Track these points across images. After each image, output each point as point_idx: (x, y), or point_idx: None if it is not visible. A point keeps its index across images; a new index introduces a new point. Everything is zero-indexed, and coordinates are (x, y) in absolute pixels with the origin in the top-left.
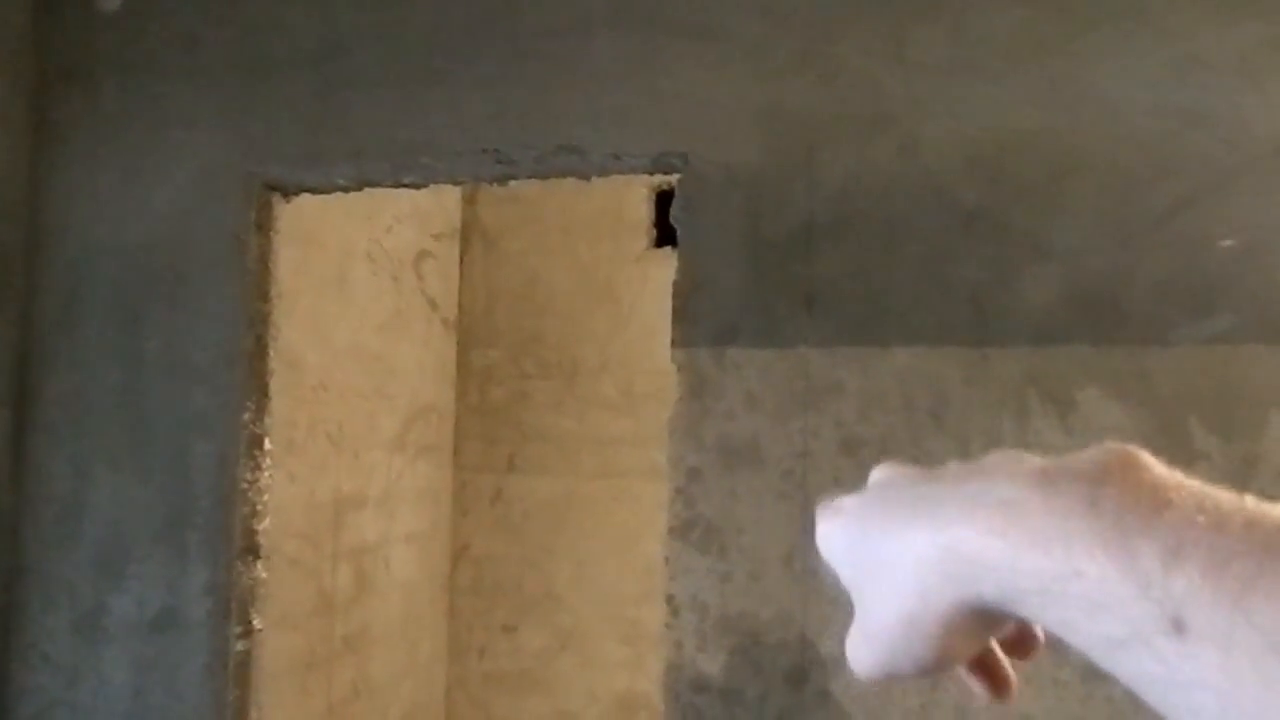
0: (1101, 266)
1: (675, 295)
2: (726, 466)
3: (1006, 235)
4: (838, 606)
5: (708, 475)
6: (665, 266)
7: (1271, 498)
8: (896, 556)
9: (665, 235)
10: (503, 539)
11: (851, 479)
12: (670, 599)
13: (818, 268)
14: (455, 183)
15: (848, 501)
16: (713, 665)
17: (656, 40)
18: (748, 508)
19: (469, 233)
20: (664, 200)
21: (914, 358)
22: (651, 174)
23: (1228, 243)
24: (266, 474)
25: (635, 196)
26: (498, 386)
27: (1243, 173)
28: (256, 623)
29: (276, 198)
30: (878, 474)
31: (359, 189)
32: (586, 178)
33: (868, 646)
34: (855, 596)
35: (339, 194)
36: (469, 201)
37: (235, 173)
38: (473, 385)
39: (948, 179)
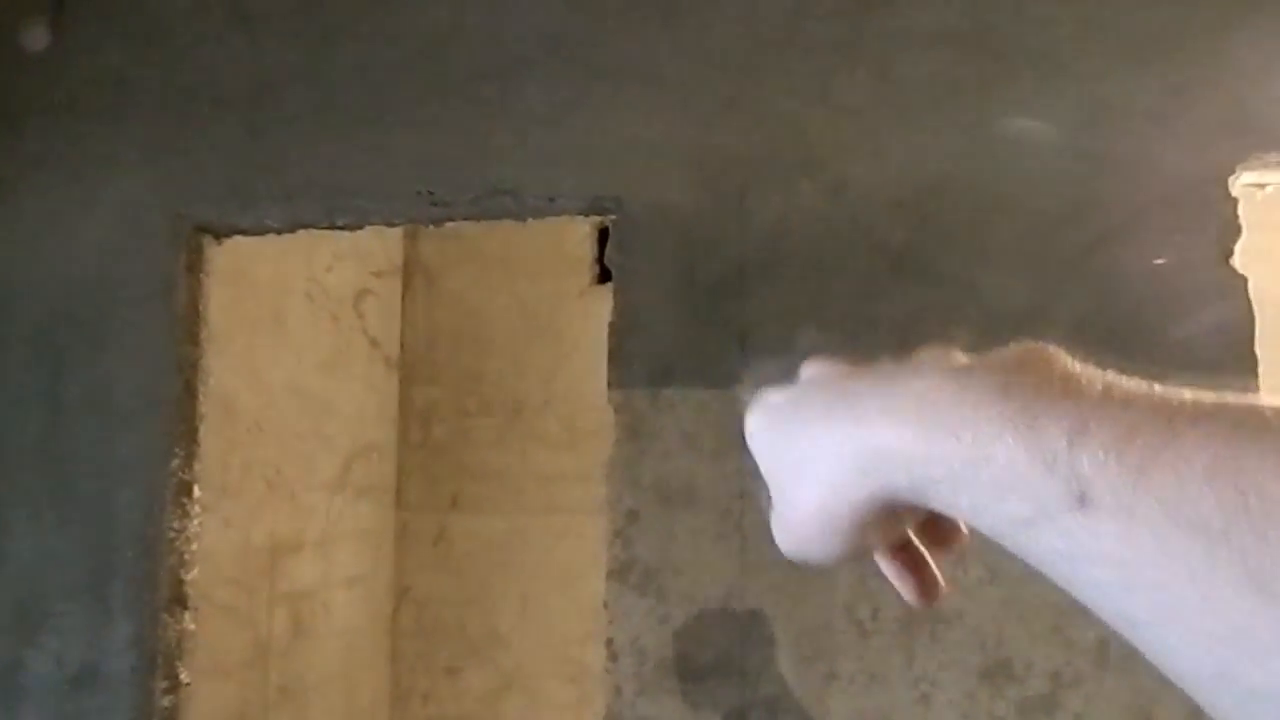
0: (1023, 305)
1: (611, 336)
2: (664, 508)
3: (932, 276)
4: (777, 648)
5: (645, 517)
6: (608, 303)
7: None
8: (814, 450)
9: (608, 272)
10: (446, 579)
11: None
12: (609, 642)
13: (750, 308)
14: (390, 224)
15: (775, 396)
16: (653, 708)
17: (588, 83)
18: (686, 549)
19: (410, 270)
20: (606, 237)
21: None
22: (585, 215)
23: (1160, 261)
24: (196, 522)
25: (577, 233)
26: (440, 424)
27: (1153, 212)
28: (184, 676)
29: (208, 240)
30: (808, 370)
31: (292, 231)
32: (521, 219)
33: (785, 535)
34: (775, 488)
35: (272, 235)
36: (410, 238)
37: (163, 214)
38: (415, 423)
39: (874, 220)
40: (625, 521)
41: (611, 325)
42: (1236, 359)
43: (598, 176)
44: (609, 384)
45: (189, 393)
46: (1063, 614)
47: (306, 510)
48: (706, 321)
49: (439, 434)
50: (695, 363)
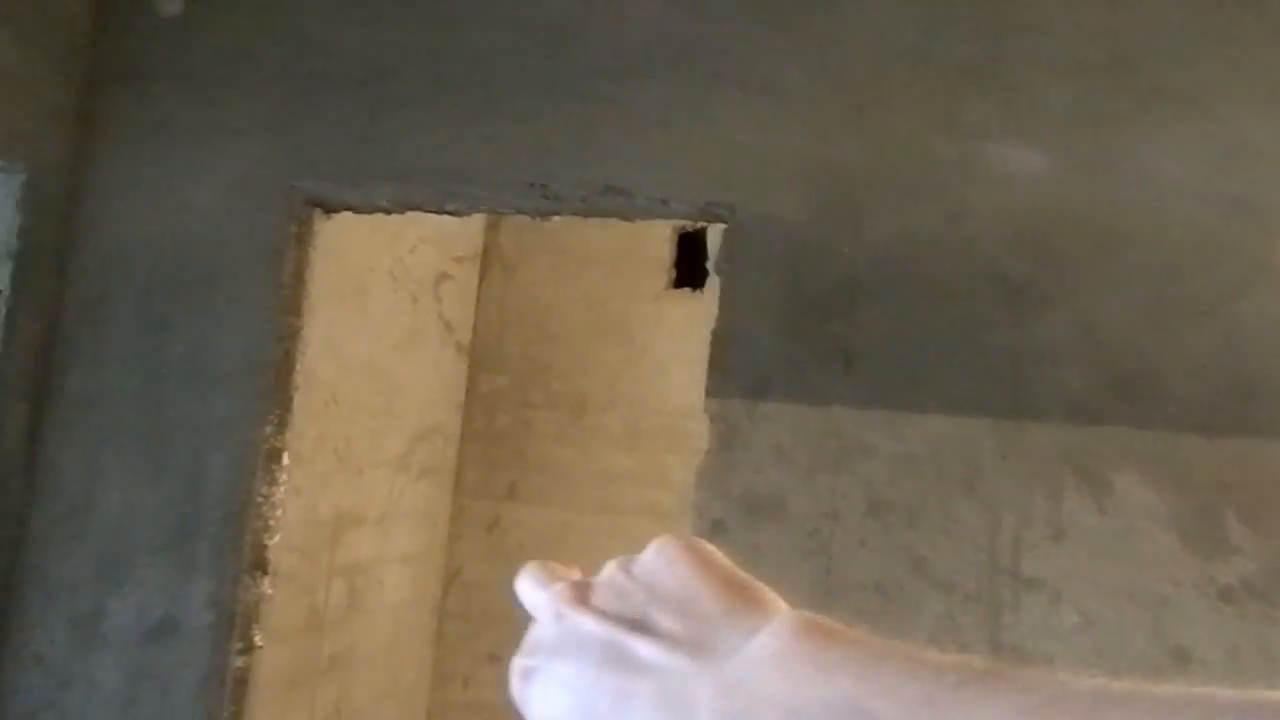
0: (1144, 348)
1: (712, 344)
2: (751, 520)
3: (1049, 309)
4: None
5: (732, 528)
6: (681, 307)
7: None
8: None
9: (684, 276)
10: (496, 567)
11: (878, 543)
12: None
13: (857, 327)
14: (498, 213)
15: (546, 662)
16: None
17: (709, 88)
18: (770, 564)
19: (489, 258)
20: (685, 242)
21: (949, 425)
22: (696, 220)
23: None
24: (281, 489)
25: (657, 235)
26: (504, 413)
27: None
28: (258, 639)
29: (318, 213)
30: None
31: (401, 211)
32: (630, 219)
33: None
34: None
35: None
36: (491, 227)
37: (278, 185)
38: (479, 410)
39: (993, 249)
40: (710, 531)
41: (714, 334)
42: None
43: (712, 182)
44: (706, 392)
45: (287, 361)
46: (1158, 668)
47: (371, 486)
48: (811, 337)
49: (502, 422)
50: (795, 378)
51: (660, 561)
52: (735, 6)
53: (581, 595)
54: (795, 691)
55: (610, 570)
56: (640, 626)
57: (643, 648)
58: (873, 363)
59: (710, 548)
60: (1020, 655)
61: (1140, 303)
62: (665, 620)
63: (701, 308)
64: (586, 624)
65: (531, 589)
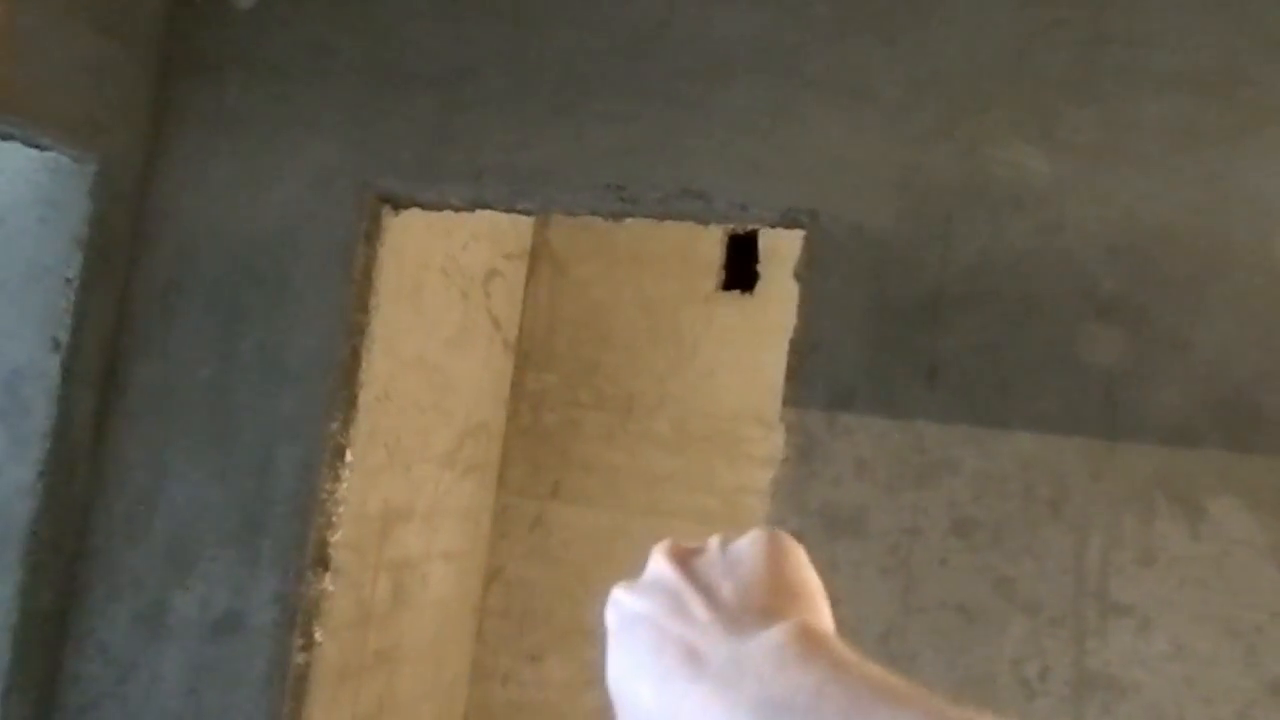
0: (1244, 370)
1: (791, 353)
2: (829, 534)
3: (1145, 327)
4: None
5: (809, 541)
6: (732, 309)
7: None
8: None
9: (734, 278)
10: (538, 566)
11: (960, 562)
12: None
13: (943, 340)
14: (572, 213)
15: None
16: None
17: (795, 93)
18: (847, 579)
19: (538, 256)
20: (736, 243)
21: (1037, 443)
22: (777, 226)
23: None
24: (344, 485)
25: (709, 237)
26: (550, 412)
27: None
28: (318, 635)
29: (387, 210)
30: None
31: (472, 210)
32: (707, 224)
33: None
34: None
35: (448, 212)
36: (540, 224)
37: (351, 181)
38: (525, 408)
39: (1087, 263)
40: None
41: (792, 342)
42: None
43: (794, 188)
44: (784, 401)
45: (355, 358)
46: (1251, 701)
47: (418, 481)
48: (894, 349)
49: (548, 421)
50: (878, 390)
51: (747, 547)
52: (825, 10)
53: (682, 554)
54: (775, 676)
55: (713, 541)
56: (707, 590)
57: (697, 607)
58: (958, 377)
59: (794, 549)
60: (1107, 682)
61: (1241, 324)
62: (726, 593)
63: (752, 310)
64: (671, 574)
65: (656, 549)
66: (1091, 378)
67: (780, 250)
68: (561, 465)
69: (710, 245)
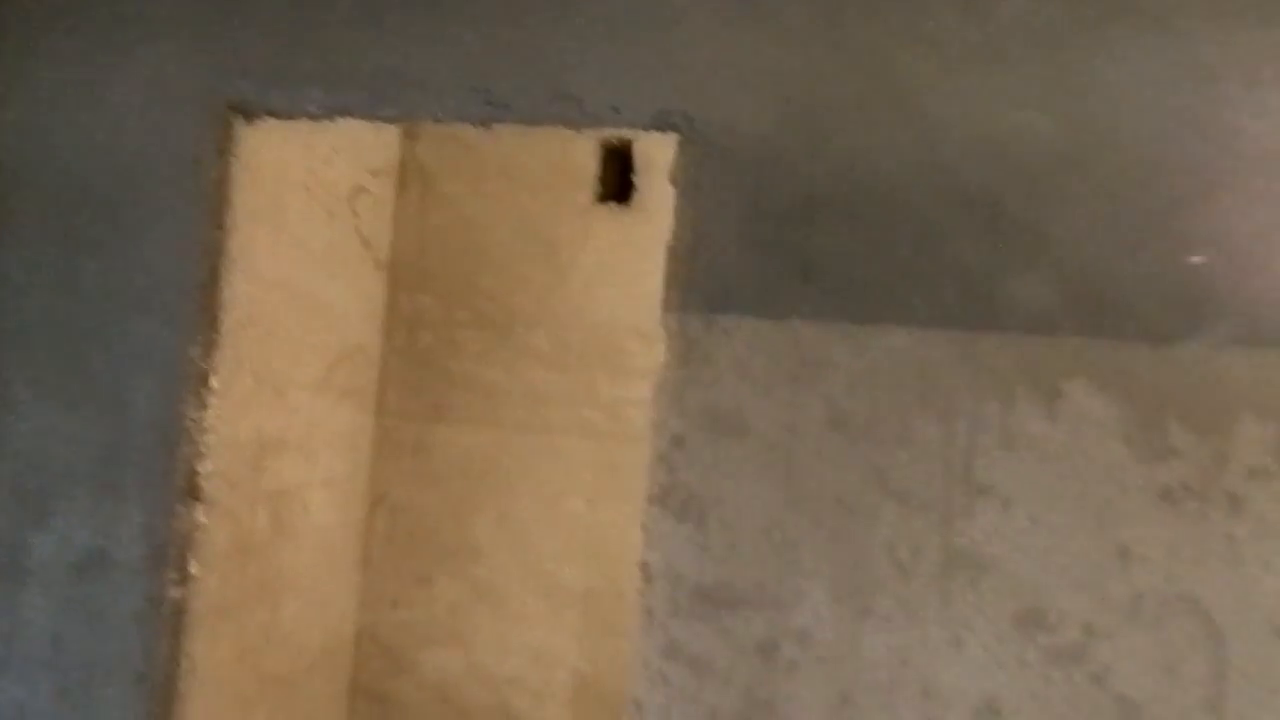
0: (1098, 260)
1: (669, 258)
2: (711, 435)
3: (1005, 221)
4: (814, 582)
5: (691, 443)
6: (608, 223)
7: (1238, 495)
8: None
9: (610, 191)
10: (422, 489)
11: (837, 455)
12: (644, 566)
13: (817, 241)
14: (438, 120)
15: None
16: (684, 633)
17: None
18: (729, 478)
19: (406, 172)
20: (611, 156)
21: (906, 338)
22: (650, 129)
23: (1197, 259)
24: (211, 413)
25: (582, 148)
26: (427, 333)
27: (1232, 179)
28: (193, 569)
29: (239, 120)
30: None
31: (330, 118)
32: (580, 129)
33: None
34: None
35: (306, 121)
36: (408, 138)
37: (196, 86)
38: (401, 330)
39: (952, 161)
40: (670, 446)
41: (670, 247)
42: None
43: (667, 90)
44: (663, 307)
45: (213, 279)
46: (1100, 567)
47: (292, 409)
48: (771, 251)
49: (425, 342)
50: (755, 292)
51: None
52: None
53: None
54: None
55: None
56: None
57: None
58: (833, 277)
59: None
60: (972, 560)
61: (1095, 216)
62: None
63: (629, 223)
64: None
65: None
66: (956, 273)
67: (656, 162)
68: (441, 387)
69: (584, 157)
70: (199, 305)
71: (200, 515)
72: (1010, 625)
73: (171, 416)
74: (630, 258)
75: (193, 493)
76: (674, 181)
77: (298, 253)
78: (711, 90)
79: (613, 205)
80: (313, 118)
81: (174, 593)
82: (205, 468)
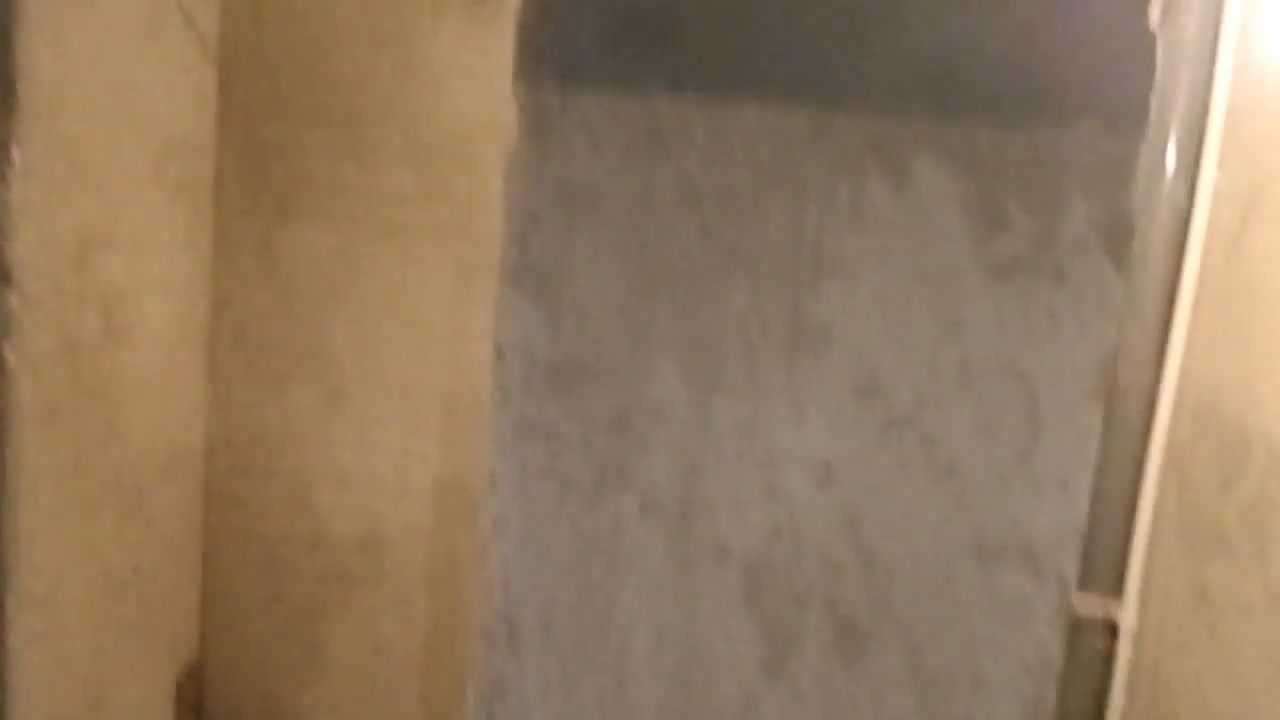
0: (947, 40)
1: (519, 27)
2: (565, 212)
3: None
4: (665, 357)
5: (545, 221)
6: (461, 13)
7: (1062, 270)
8: None
9: None
10: (269, 292)
11: (690, 231)
12: (498, 346)
13: (675, 11)
14: None
15: None
16: (538, 411)
17: None
18: (582, 255)
19: None
20: None
21: (762, 113)
22: None
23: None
24: (16, 191)
25: None
26: (266, 126)
27: None
28: (11, 358)
29: None
30: None
31: None
32: None
33: None
34: None
35: None
36: None
37: None
38: (236, 122)
39: None
40: (522, 224)
41: (521, 16)
42: (1130, 118)
43: None
44: (515, 78)
45: (5, 39)
46: (934, 339)
47: (117, 203)
48: (626, 21)
49: (265, 135)
50: (609, 60)
51: None
52: None
53: None
54: None
55: None
56: None
57: None
58: (688, 48)
59: None
60: (819, 334)
61: None
62: None
63: (484, 14)
64: None
65: None
66: (813, 49)
67: None
68: (285, 184)
69: None
70: None
71: (13, 301)
72: (849, 396)
73: None
74: (485, 50)
75: (3, 276)
76: None
77: (108, 23)
78: None
79: None
80: None
81: None
82: (14, 251)
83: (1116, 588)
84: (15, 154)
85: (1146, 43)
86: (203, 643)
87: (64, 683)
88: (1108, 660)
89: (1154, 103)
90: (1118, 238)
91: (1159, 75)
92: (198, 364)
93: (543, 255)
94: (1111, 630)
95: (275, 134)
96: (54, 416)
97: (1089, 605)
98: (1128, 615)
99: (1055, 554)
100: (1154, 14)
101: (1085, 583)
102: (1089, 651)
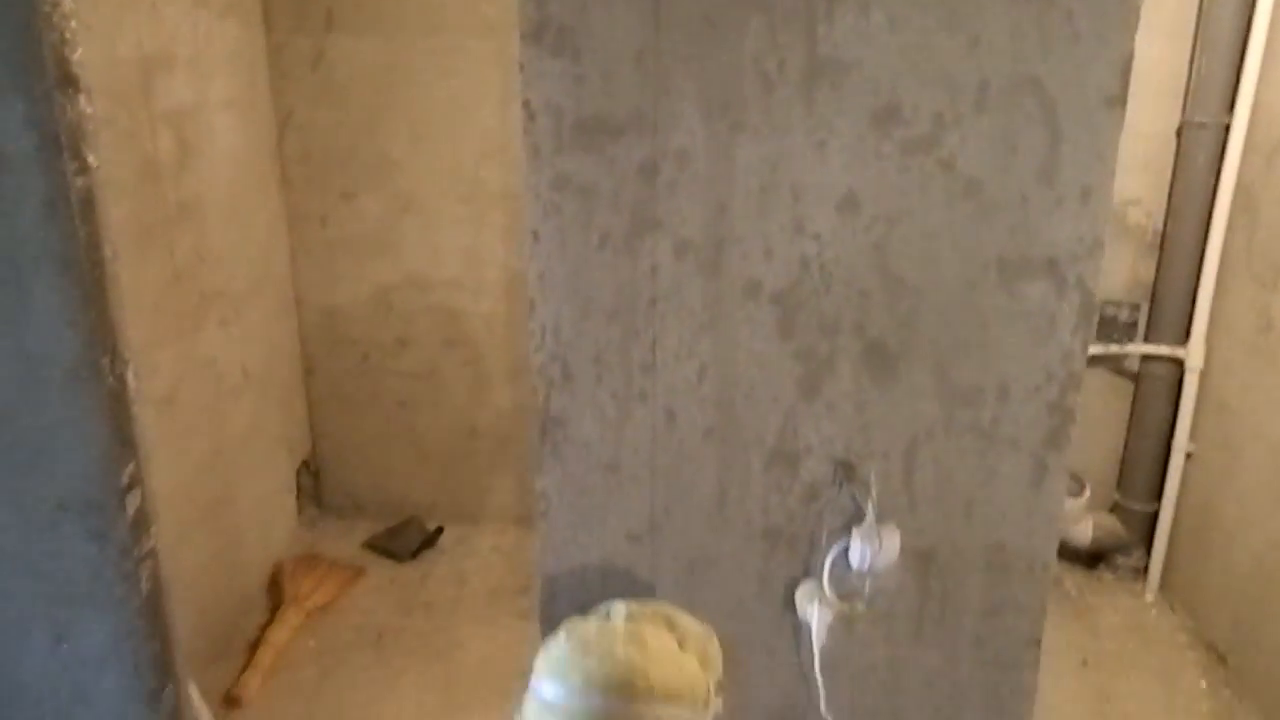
0: None
1: None
2: None
3: None
4: (687, 102)
5: None
6: None
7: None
8: None
9: None
10: (328, 106)
11: None
12: (526, 104)
13: None
14: None
15: None
16: (570, 164)
17: None
18: (599, 8)
19: None
20: None
21: None
22: None
23: None
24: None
25: None
26: None
27: None
28: (91, 159)
29: None
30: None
31: None
32: None
33: None
34: None
35: None
36: None
37: None
38: None
39: None
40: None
41: None
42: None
43: None
44: None
45: None
46: (951, 59)
47: (172, 24)
48: None
49: None
50: None
51: None
52: None
53: None
54: None
55: None
56: None
57: None
58: None
59: None
60: (834, 65)
61: None
62: None
63: None
64: None
65: None
66: None
67: None
68: None
69: None
70: None
71: (85, 105)
72: (868, 124)
73: (26, 3)
74: None
75: (70, 81)
76: None
77: None
78: None
79: None
80: None
81: (79, 181)
82: (76, 55)
83: (1186, 328)
84: None
85: None
86: (314, 441)
87: (193, 479)
88: (1176, 396)
89: None
90: None
91: None
92: (272, 179)
93: (559, 9)
94: (1179, 366)
95: None
96: (150, 238)
97: (1160, 346)
98: (1194, 354)
99: (1077, 264)
100: None
101: (1155, 323)
102: (1159, 385)
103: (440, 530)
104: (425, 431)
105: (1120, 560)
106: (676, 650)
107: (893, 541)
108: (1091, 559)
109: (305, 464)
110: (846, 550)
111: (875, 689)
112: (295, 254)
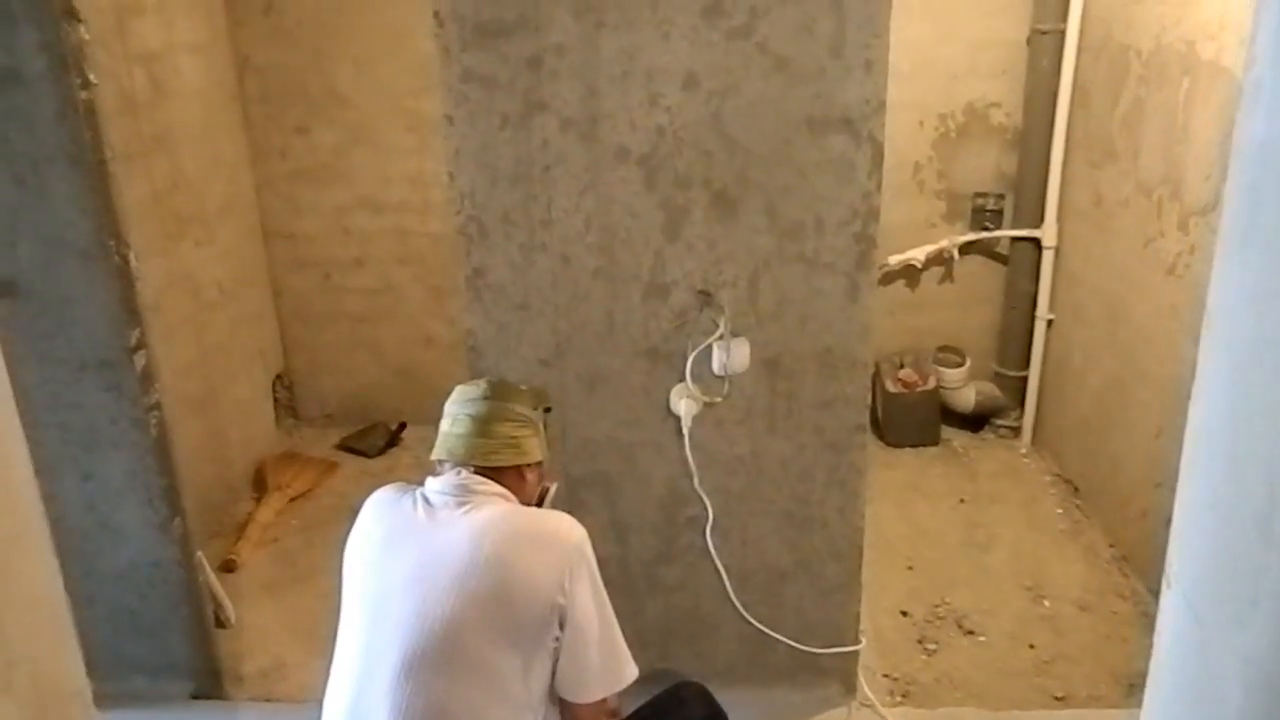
0: None
1: None
2: None
3: None
4: (559, 4)
5: None
6: None
7: None
8: None
9: None
10: (280, 48)
11: None
12: (436, 14)
13: None
14: None
15: None
16: (473, 60)
17: None
18: None
19: None
20: None
21: None
22: None
23: None
24: None
25: None
26: None
27: None
28: (93, 77)
29: None
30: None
31: None
32: None
33: None
34: None
35: None
36: None
37: None
38: None
39: None
40: None
41: None
42: None
43: None
44: None
45: None
46: None
47: None
48: None
49: None
50: None
51: None
52: None
53: None
54: None
55: None
56: None
57: None
58: None
59: None
60: None
61: None
62: None
63: None
64: None
65: None
66: None
67: None
68: None
69: None
70: None
71: (84, 33)
72: (700, 16)
73: None
74: None
75: (70, 12)
76: None
77: None
78: None
79: None
80: None
81: (83, 95)
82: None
83: (1041, 212)
84: None
85: None
86: (286, 357)
87: (181, 378)
88: (1039, 272)
89: None
90: None
91: None
92: (235, 117)
93: None
94: (1039, 245)
95: None
96: (129, 161)
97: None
98: (1048, 233)
99: (867, 121)
100: None
101: (1019, 210)
102: (1025, 264)
103: (404, 426)
104: (385, 342)
105: (1001, 422)
106: (519, 386)
107: (743, 350)
108: (976, 422)
109: (279, 378)
110: (711, 361)
111: (742, 475)
112: (259, 185)
